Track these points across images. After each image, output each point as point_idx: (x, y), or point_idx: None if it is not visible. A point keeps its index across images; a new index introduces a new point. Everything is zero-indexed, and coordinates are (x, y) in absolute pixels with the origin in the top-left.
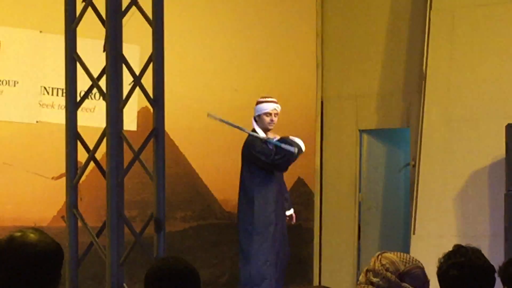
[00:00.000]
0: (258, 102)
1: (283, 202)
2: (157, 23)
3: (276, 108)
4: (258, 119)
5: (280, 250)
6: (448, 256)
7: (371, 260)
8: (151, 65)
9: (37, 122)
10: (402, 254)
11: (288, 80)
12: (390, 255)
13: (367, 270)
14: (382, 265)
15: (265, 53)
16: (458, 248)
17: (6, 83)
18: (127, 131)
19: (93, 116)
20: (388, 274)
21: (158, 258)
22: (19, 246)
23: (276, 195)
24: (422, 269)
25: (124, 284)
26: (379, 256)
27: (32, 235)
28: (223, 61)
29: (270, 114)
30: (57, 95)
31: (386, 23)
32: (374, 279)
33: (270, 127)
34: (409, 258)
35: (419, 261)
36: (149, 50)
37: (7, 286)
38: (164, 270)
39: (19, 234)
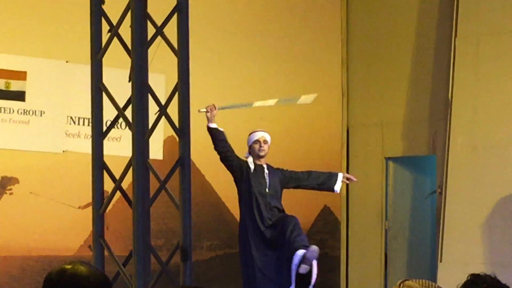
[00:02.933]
0: (248, 135)
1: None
2: (182, 53)
3: (265, 136)
4: (250, 149)
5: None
6: (470, 283)
7: None
8: (176, 95)
9: (63, 151)
10: (424, 281)
11: (314, 108)
12: (412, 283)
13: None
14: None
15: (291, 82)
16: (477, 276)
17: (33, 113)
18: (153, 160)
19: (119, 145)
20: None
21: (184, 287)
22: (70, 278)
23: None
24: None
25: None
26: (401, 284)
27: (82, 268)
28: (249, 90)
29: (259, 141)
30: (83, 124)
31: (411, 51)
32: None
33: (261, 154)
34: (432, 286)
35: None
36: (174, 79)
37: None
38: None
39: (69, 266)
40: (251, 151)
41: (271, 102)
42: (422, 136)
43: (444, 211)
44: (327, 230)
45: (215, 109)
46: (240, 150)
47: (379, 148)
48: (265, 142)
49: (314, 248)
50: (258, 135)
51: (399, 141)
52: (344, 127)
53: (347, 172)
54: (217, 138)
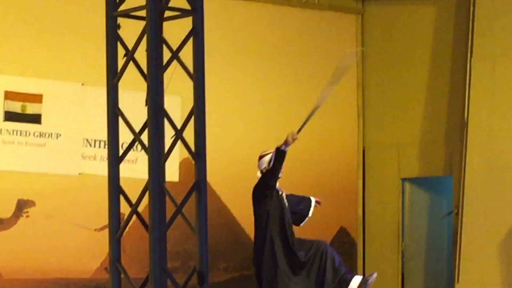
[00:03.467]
0: (263, 156)
1: None
2: (198, 76)
3: None
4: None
5: None
6: None
7: None
8: (192, 118)
9: (79, 174)
10: None
11: (330, 129)
12: None
13: None
14: None
15: (307, 103)
16: None
17: (49, 136)
18: (169, 182)
19: (135, 168)
20: None
21: None
22: None
23: None
24: None
25: None
26: None
27: None
28: (264, 111)
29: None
30: (99, 147)
31: (426, 72)
32: None
33: (280, 176)
34: None
35: None
36: (190, 100)
37: None
38: None
39: None
40: None
41: (326, 92)
42: (438, 157)
43: (461, 232)
44: (343, 251)
45: (297, 137)
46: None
47: (395, 168)
48: None
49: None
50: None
51: (415, 161)
52: (360, 148)
53: (363, 193)
54: (282, 162)
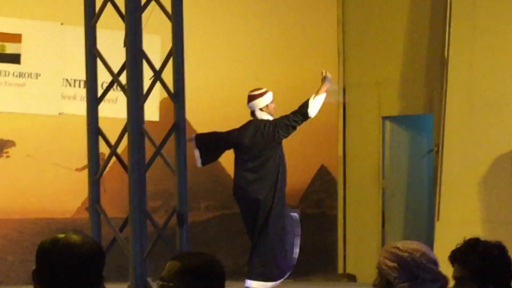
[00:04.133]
0: (263, 93)
1: None
2: (176, 18)
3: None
4: (266, 108)
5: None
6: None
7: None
8: (171, 60)
9: (59, 114)
10: (413, 243)
11: (310, 68)
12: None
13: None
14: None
15: (286, 42)
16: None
17: (29, 76)
18: (149, 121)
19: (115, 107)
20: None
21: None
22: (63, 248)
23: None
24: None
25: (148, 278)
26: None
27: (75, 237)
28: (244, 50)
29: (272, 101)
30: (79, 86)
31: (407, 10)
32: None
33: (272, 113)
34: (412, 244)
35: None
36: (170, 40)
37: (52, 287)
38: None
39: (62, 235)
40: (266, 110)
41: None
42: (418, 95)
43: (441, 170)
44: (324, 190)
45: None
46: (237, 115)
47: (375, 107)
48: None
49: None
50: (271, 96)
51: (395, 100)
52: (340, 86)
53: (344, 132)
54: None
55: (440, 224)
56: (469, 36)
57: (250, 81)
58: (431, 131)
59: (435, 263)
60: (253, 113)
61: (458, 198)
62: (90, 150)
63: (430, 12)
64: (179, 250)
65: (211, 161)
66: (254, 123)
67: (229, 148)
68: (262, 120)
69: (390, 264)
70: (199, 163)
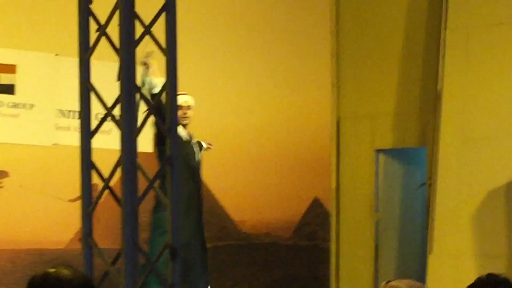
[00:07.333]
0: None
1: None
2: (170, 52)
3: (188, 101)
4: None
5: None
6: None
7: None
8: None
9: (53, 144)
10: (409, 281)
11: (304, 100)
12: (397, 283)
13: None
14: None
15: (281, 73)
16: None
17: (23, 106)
18: (143, 153)
19: (109, 139)
20: None
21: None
22: (54, 283)
23: None
24: None
25: None
26: (386, 285)
27: (65, 271)
28: (238, 82)
29: (181, 107)
30: (73, 118)
31: (401, 43)
32: None
33: (183, 122)
34: (416, 285)
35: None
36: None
37: None
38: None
39: (53, 270)
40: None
41: None
42: (412, 128)
43: (434, 203)
44: (317, 222)
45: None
46: (230, 146)
47: (369, 140)
48: (189, 107)
49: None
50: (181, 100)
51: (389, 133)
52: (334, 119)
53: (337, 164)
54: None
55: (433, 257)
56: (463, 69)
57: (244, 114)
58: (425, 164)
59: None
60: None
61: (451, 231)
62: (83, 184)
63: (424, 45)
64: (171, 283)
65: None
66: None
67: None
68: None
69: None
70: None
